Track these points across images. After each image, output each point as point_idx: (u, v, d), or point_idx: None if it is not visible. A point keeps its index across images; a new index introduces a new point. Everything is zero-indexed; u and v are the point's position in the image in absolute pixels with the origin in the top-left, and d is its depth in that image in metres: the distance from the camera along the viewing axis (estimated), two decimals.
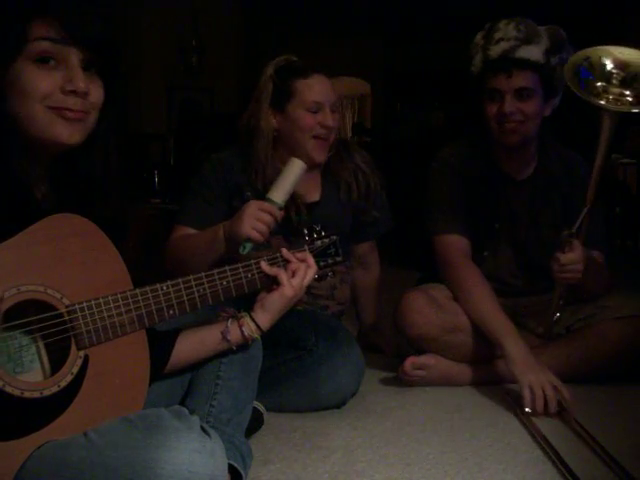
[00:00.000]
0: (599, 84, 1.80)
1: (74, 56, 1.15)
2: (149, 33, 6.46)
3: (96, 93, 1.19)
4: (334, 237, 1.54)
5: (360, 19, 8.05)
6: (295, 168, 1.83)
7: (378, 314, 2.48)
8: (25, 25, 1.13)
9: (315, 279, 1.53)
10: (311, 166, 2.07)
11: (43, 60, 1.14)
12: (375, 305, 2.47)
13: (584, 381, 2.09)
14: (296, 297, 1.44)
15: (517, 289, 2.29)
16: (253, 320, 1.42)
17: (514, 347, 1.96)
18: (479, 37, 2.18)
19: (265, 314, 1.43)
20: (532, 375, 1.89)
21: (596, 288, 2.18)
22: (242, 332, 1.41)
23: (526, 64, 2.08)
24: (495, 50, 2.11)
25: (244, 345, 1.44)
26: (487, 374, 2.14)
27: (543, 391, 1.85)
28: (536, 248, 2.24)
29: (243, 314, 1.43)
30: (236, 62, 6.98)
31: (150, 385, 1.26)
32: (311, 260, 1.47)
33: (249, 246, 1.76)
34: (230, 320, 1.41)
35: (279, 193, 1.80)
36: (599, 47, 1.82)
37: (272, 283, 1.43)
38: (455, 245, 2.19)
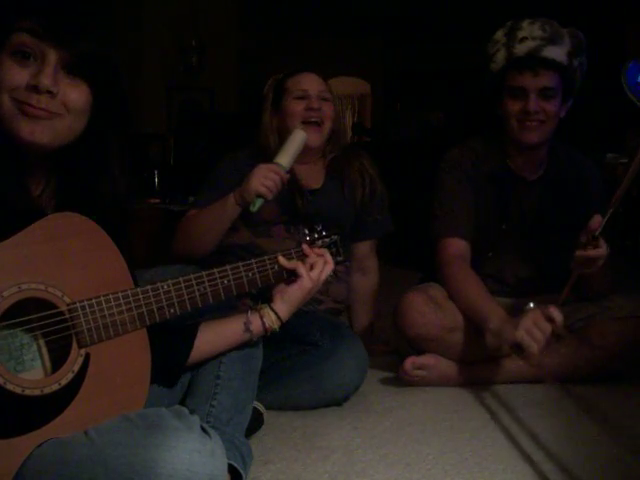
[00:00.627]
0: None
1: (52, 55, 1.14)
2: (149, 33, 6.46)
3: (73, 96, 1.16)
4: (335, 237, 1.55)
5: (360, 19, 8.05)
6: (297, 136, 2.04)
7: (372, 321, 2.44)
8: (11, 19, 1.13)
9: None
10: (306, 151, 2.17)
11: (23, 55, 1.13)
12: (370, 313, 2.43)
13: (584, 381, 2.09)
14: (314, 289, 1.48)
15: (520, 290, 2.29)
16: (273, 311, 1.44)
17: (500, 320, 1.95)
18: (500, 34, 2.18)
19: (284, 305, 1.46)
20: (522, 323, 1.87)
21: (600, 287, 2.19)
22: (263, 323, 1.43)
23: (551, 64, 2.09)
24: (520, 48, 2.12)
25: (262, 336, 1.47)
26: (487, 374, 2.14)
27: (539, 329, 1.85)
28: (542, 249, 2.24)
29: (262, 305, 1.45)
30: (236, 62, 6.98)
31: (175, 382, 1.33)
32: (329, 257, 1.50)
33: (259, 202, 1.92)
34: (250, 311, 1.43)
35: (284, 157, 2.00)
36: None
37: (279, 280, 1.46)
38: (454, 247, 2.20)
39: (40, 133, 1.14)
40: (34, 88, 1.12)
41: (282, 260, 1.45)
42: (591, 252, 1.88)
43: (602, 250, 1.89)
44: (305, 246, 1.49)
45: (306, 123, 2.16)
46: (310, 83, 2.22)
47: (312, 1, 7.43)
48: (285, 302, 1.46)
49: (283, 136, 2.17)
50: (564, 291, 2.04)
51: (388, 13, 7.86)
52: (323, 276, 1.49)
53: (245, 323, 1.42)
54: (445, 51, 8.04)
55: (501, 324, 1.94)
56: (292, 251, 1.48)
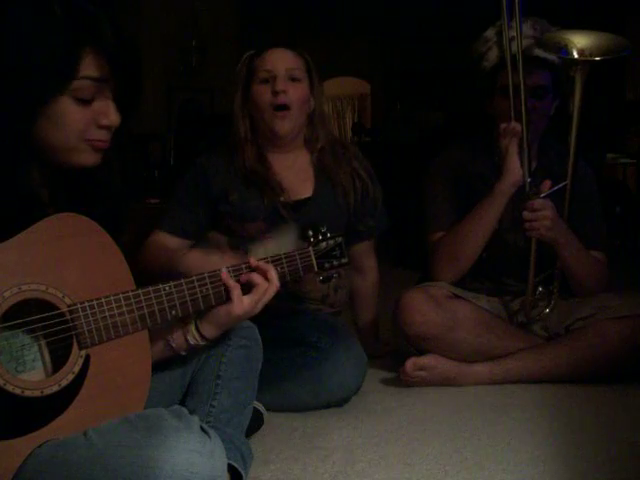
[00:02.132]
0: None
1: (109, 92, 1.18)
2: (149, 33, 6.46)
3: (119, 120, 1.21)
4: (339, 238, 1.53)
5: (360, 19, 8.05)
6: (289, 233, 1.63)
7: (376, 320, 2.40)
8: (75, 61, 1.13)
9: (320, 280, 1.51)
10: (276, 140, 2.04)
11: (86, 99, 1.16)
12: (373, 310, 2.37)
13: (584, 381, 2.09)
14: (246, 316, 1.37)
15: (512, 290, 2.29)
16: (197, 329, 1.37)
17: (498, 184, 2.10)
18: (491, 33, 2.20)
19: (210, 326, 1.37)
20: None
21: (589, 282, 2.21)
22: (187, 340, 1.37)
23: (543, 63, 2.11)
24: (512, 47, 2.11)
25: (194, 348, 1.39)
26: (487, 374, 2.14)
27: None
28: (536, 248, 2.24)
29: (190, 321, 1.37)
30: (236, 62, 6.96)
31: None
32: (272, 274, 1.37)
33: None
34: (175, 328, 1.37)
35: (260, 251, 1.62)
36: (567, 35, 2.07)
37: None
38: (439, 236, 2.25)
39: (98, 160, 1.21)
40: (107, 127, 1.18)
41: (225, 276, 1.32)
42: (530, 203, 2.04)
43: (541, 201, 2.03)
44: (252, 259, 1.37)
45: (274, 109, 1.97)
46: (276, 61, 2.00)
47: (312, 1, 7.43)
48: (210, 323, 1.37)
49: (255, 124, 2.04)
50: (531, 264, 2.13)
51: (388, 13, 7.86)
52: (262, 302, 1.35)
53: (167, 340, 1.36)
54: (445, 51, 8.03)
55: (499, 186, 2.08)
56: (243, 266, 1.36)
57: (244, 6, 7.05)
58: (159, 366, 1.38)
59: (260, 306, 1.36)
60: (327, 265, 1.50)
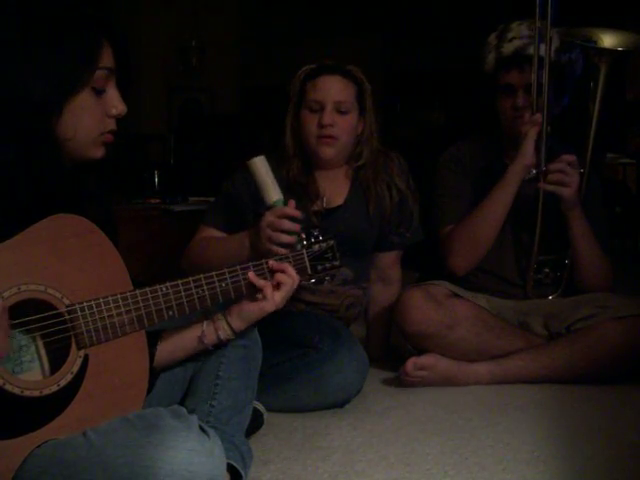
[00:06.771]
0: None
1: (114, 80, 1.22)
2: (149, 33, 6.45)
3: (126, 109, 1.26)
4: (331, 241, 1.53)
5: (360, 19, 8.05)
6: (258, 166, 1.78)
7: (389, 333, 2.35)
8: (99, 51, 1.19)
9: (312, 283, 1.52)
10: (323, 164, 2.10)
11: (100, 90, 1.20)
12: (388, 324, 2.32)
13: (585, 382, 2.09)
14: (275, 310, 1.42)
15: (520, 291, 2.29)
16: (229, 325, 1.41)
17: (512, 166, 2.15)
18: (492, 37, 2.25)
19: (241, 321, 1.41)
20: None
21: (594, 274, 2.22)
22: (218, 335, 1.40)
23: (539, 62, 2.12)
24: (508, 48, 2.19)
25: (223, 343, 1.43)
26: (487, 374, 2.14)
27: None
28: (539, 243, 2.24)
29: (219, 317, 1.41)
30: (236, 62, 6.98)
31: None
32: (290, 270, 1.42)
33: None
34: (206, 323, 1.40)
35: (270, 193, 1.76)
36: (594, 30, 2.19)
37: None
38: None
39: (104, 153, 1.25)
40: (116, 117, 1.23)
41: (252, 276, 1.38)
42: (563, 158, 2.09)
43: (569, 157, 2.09)
44: (271, 261, 1.41)
45: (319, 137, 2.04)
46: (325, 92, 2.03)
47: (312, 1, 7.43)
48: (242, 319, 1.41)
49: (302, 143, 2.09)
50: (535, 245, 2.18)
51: (388, 13, 7.86)
52: (288, 297, 1.42)
53: (199, 336, 1.39)
54: (445, 51, 8.03)
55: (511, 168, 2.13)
56: (264, 263, 1.41)
57: (244, 6, 7.05)
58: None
59: (286, 300, 1.43)
60: (320, 267, 1.51)
